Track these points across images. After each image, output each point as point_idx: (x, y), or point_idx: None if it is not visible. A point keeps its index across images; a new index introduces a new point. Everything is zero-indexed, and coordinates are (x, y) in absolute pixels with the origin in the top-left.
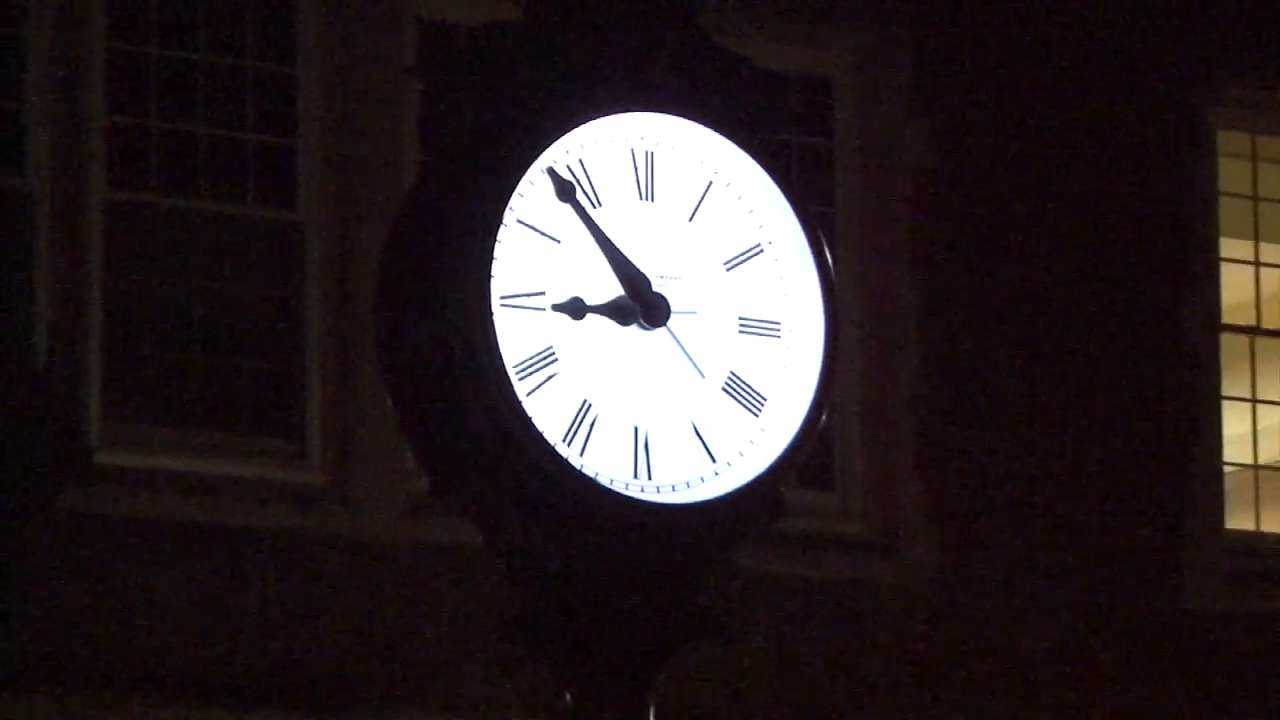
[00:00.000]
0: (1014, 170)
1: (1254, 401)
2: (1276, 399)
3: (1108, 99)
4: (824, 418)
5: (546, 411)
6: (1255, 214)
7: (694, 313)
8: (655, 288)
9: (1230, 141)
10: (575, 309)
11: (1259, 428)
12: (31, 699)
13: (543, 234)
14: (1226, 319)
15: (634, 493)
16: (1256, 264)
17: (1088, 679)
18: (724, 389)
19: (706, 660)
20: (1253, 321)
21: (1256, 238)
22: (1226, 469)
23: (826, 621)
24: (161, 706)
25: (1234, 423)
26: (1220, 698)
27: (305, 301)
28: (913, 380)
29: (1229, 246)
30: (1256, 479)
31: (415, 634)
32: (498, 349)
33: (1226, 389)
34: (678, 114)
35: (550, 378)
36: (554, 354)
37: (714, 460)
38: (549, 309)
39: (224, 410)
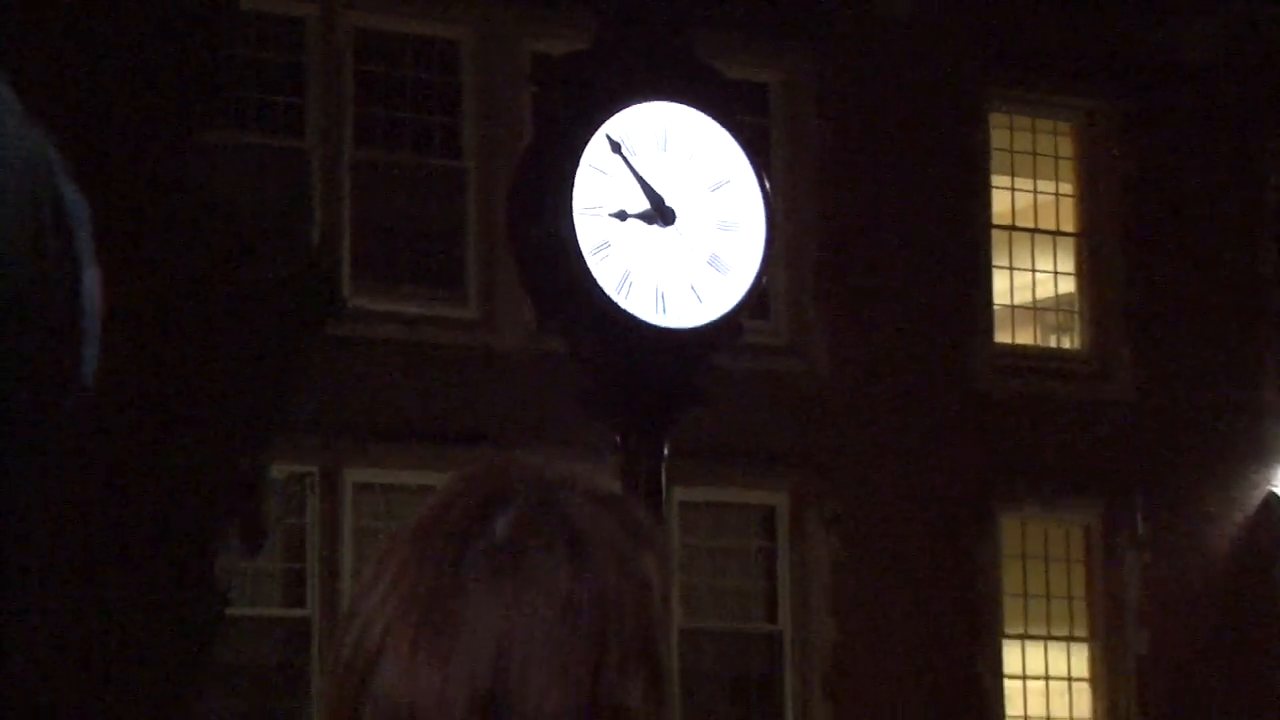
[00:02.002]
0: (876, 139)
1: (1011, 269)
2: (1023, 267)
3: (928, 95)
4: (764, 279)
5: (605, 276)
6: (1012, 161)
7: (690, 218)
8: (668, 203)
9: (998, 120)
10: (621, 216)
11: (1014, 285)
12: (305, 445)
13: (602, 171)
14: (995, 221)
15: (656, 322)
16: (1013, 190)
17: (918, 433)
18: (708, 263)
19: (693, 420)
20: (1010, 222)
21: (1013, 173)
22: (995, 306)
23: (765, 394)
24: (390, 442)
25: (1000, 280)
26: (995, 441)
27: (467, 212)
28: (814, 254)
29: (998, 180)
30: (1013, 314)
31: (534, 401)
32: (577, 239)
33: (995, 261)
34: (682, 103)
35: (607, 256)
36: (609, 243)
37: (701, 303)
38: (606, 215)
39: (421, 271)
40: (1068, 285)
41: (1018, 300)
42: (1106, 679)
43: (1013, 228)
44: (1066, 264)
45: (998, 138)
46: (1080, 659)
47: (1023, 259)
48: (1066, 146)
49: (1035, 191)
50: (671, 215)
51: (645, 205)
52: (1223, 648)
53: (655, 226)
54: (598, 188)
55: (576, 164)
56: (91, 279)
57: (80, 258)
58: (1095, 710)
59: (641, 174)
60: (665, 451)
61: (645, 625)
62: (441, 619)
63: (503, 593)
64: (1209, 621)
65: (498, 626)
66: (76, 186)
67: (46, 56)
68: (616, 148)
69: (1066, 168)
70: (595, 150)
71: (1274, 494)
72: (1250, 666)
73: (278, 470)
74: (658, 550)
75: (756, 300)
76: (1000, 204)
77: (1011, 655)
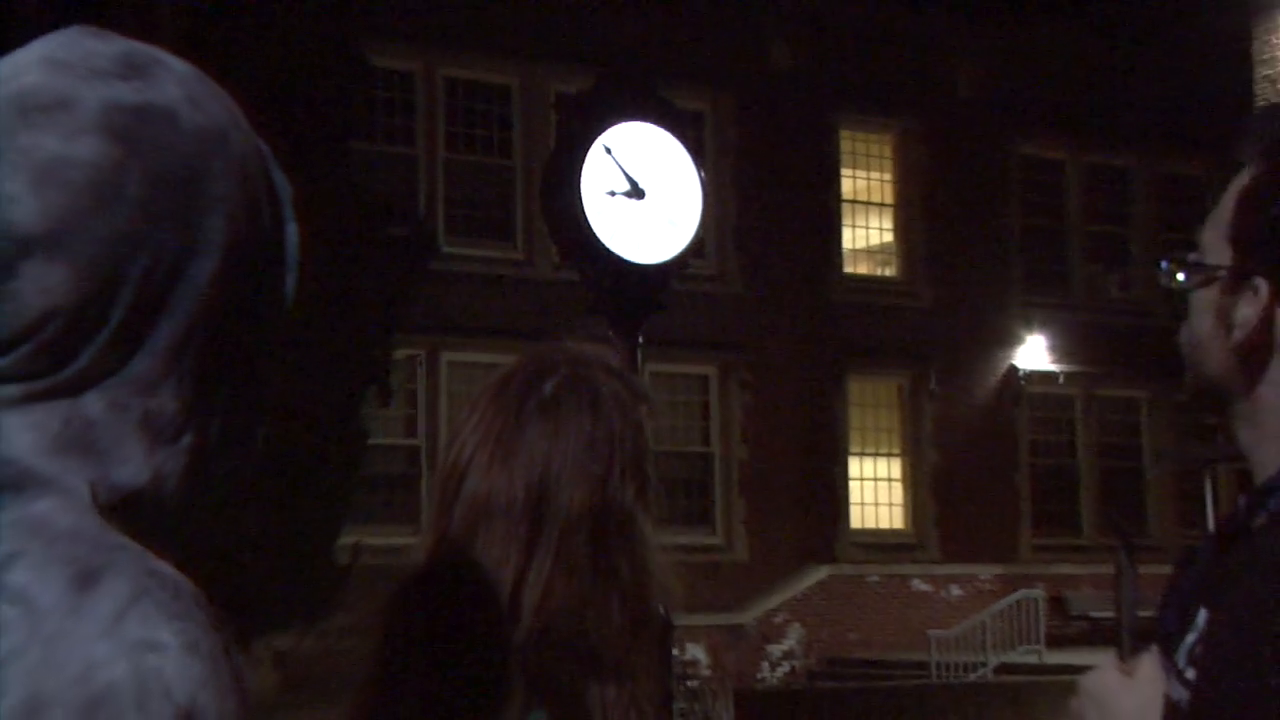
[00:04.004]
0: (770, 145)
1: (854, 226)
2: (861, 225)
3: (802, 117)
4: (701, 233)
5: (603, 230)
6: (854, 159)
7: (655, 195)
8: (641, 185)
9: (845, 133)
10: (610, 193)
11: (855, 236)
12: (417, 338)
13: (599, 166)
14: (844, 196)
15: (635, 259)
16: (854, 178)
17: (797, 329)
18: (668, 222)
19: (657, 320)
20: (854, 197)
21: (854, 167)
22: (844, 249)
23: (702, 305)
24: (470, 336)
25: (847, 233)
26: (845, 333)
27: (516, 192)
28: (732, 218)
29: (845, 171)
30: (855, 254)
31: (560, 309)
32: (584, 208)
33: (844, 222)
34: (650, 123)
35: (603, 219)
36: (603, 211)
37: (662, 247)
38: (602, 193)
39: (487, 229)
40: (889, 236)
41: (858, 246)
42: (912, 480)
43: (855, 201)
44: (888, 223)
45: (845, 145)
46: (895, 468)
47: (861, 220)
48: (887, 150)
49: (869, 178)
50: (643, 193)
51: (627, 187)
52: (983, 460)
53: (633, 200)
54: (597, 176)
55: (583, 162)
56: (293, 232)
57: (285, 218)
58: (905, 500)
59: (624, 167)
60: (640, 340)
61: (638, 452)
62: (508, 445)
63: (548, 430)
64: (975, 444)
65: (544, 451)
66: (281, 171)
67: (242, 99)
68: (608, 151)
69: (887, 163)
70: (595, 153)
71: (1013, 365)
72: (999, 471)
73: (399, 353)
74: (647, 404)
75: (696, 246)
76: (847, 186)
77: (854, 465)
